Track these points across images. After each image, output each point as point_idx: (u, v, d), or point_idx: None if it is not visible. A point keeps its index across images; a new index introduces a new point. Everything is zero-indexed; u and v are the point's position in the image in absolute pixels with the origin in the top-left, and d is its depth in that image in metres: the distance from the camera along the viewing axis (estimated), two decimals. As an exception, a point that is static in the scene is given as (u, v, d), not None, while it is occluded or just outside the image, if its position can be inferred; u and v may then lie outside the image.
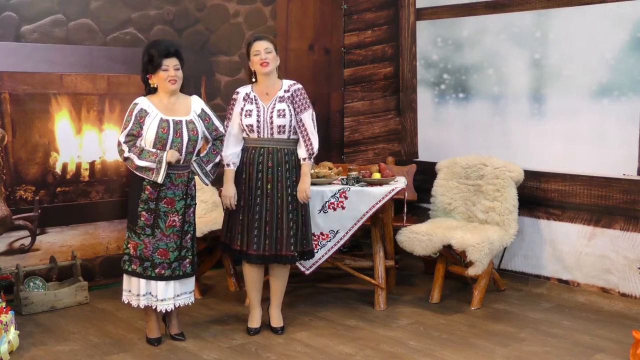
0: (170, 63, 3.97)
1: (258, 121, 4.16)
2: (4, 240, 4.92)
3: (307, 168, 4.22)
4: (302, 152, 4.23)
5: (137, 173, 3.96)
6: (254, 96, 4.21)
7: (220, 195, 4.32)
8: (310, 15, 6.37)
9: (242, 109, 4.20)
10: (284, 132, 4.19)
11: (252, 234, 4.17)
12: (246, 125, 4.18)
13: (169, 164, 3.93)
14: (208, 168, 4.19)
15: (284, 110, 4.18)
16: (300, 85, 4.29)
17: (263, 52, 4.14)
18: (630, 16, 4.75)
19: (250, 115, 4.17)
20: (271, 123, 4.17)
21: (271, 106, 4.18)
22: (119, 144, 3.98)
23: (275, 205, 4.19)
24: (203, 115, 4.13)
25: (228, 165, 4.23)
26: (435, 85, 5.97)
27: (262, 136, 4.19)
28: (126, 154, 3.95)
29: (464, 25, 5.69)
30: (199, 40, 5.71)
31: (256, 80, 4.24)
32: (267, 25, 6.09)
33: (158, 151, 3.93)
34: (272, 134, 4.18)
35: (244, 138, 4.25)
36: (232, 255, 4.46)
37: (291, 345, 4.17)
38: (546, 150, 5.25)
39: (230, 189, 4.21)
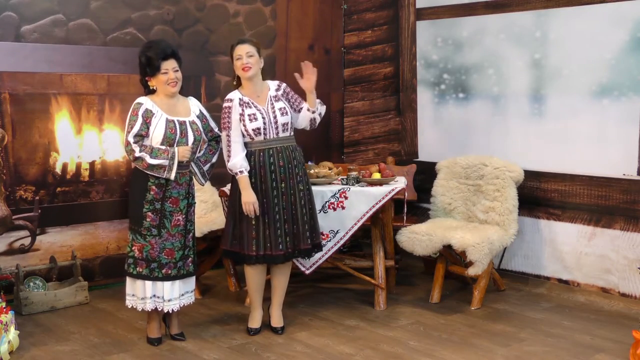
0: (169, 65, 3.96)
1: (264, 123, 4.14)
2: (4, 240, 4.93)
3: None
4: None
5: (148, 172, 3.94)
6: (249, 100, 4.17)
7: (221, 196, 4.28)
8: (310, 15, 6.37)
9: (241, 115, 4.13)
10: (287, 129, 4.22)
11: (275, 234, 4.16)
12: (252, 130, 4.12)
13: (180, 162, 3.95)
14: (206, 168, 4.20)
15: (284, 108, 4.22)
16: (285, 83, 4.34)
17: (245, 57, 4.11)
18: (630, 16, 4.75)
19: (255, 118, 4.13)
20: (276, 122, 4.17)
21: (270, 106, 4.19)
22: (128, 144, 3.93)
23: (290, 202, 4.20)
24: (201, 116, 4.14)
25: (241, 172, 4.10)
26: (435, 85, 5.97)
27: (268, 137, 4.17)
28: (137, 154, 3.90)
29: (464, 25, 5.69)
30: (199, 40, 5.71)
31: (241, 85, 4.23)
32: (267, 25, 6.08)
33: (168, 148, 3.93)
34: (277, 133, 4.19)
35: (246, 143, 4.18)
36: (247, 261, 4.23)
37: (291, 345, 4.17)
38: (546, 150, 5.25)
39: (251, 195, 4.11)
